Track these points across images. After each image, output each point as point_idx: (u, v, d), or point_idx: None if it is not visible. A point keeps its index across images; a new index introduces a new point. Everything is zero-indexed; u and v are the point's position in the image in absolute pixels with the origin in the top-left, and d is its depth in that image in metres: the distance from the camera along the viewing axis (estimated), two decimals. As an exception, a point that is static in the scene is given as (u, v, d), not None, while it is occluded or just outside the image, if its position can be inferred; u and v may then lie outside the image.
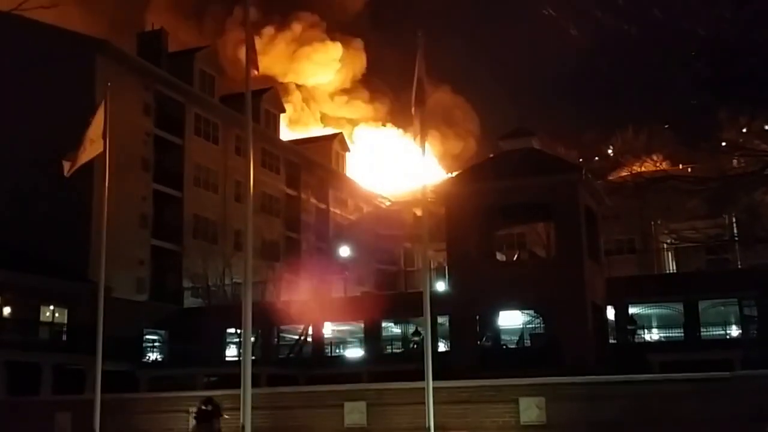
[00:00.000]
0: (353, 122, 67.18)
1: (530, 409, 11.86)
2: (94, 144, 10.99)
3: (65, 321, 29.63)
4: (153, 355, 33.97)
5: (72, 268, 29.13)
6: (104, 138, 11.03)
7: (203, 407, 6.17)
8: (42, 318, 29.21)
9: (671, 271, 35.21)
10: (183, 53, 40.21)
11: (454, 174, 38.65)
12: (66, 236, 29.78)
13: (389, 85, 67.90)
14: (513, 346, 26.44)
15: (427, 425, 8.17)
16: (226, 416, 5.78)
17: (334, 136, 53.53)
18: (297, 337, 32.49)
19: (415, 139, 9.11)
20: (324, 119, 66.06)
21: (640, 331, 28.82)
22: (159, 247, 34.96)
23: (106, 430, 10.79)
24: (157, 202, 35.11)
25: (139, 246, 33.55)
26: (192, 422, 6.04)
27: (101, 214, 11.68)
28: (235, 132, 38.94)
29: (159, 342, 34.33)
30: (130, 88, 32.96)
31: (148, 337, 33.78)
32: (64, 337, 29.46)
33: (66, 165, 10.84)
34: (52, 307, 29.59)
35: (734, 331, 28.77)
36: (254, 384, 7.72)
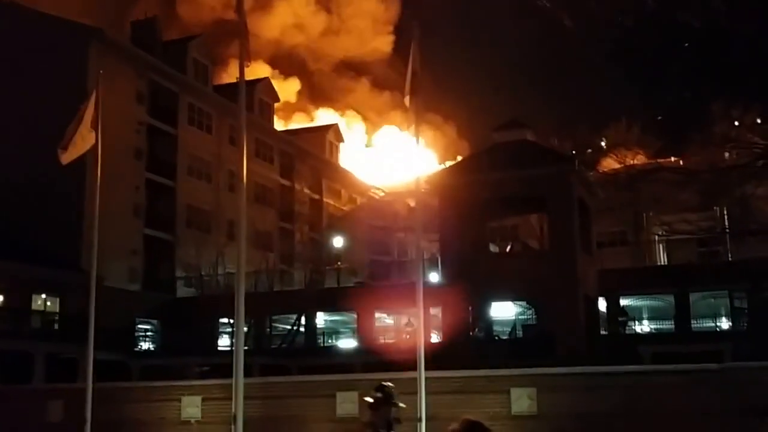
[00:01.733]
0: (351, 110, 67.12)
1: (521, 400, 11.94)
2: (91, 133, 10.89)
3: (57, 310, 29.53)
4: (145, 345, 33.95)
5: (64, 257, 29.00)
6: (96, 126, 10.93)
7: (376, 394, 5.57)
8: (34, 307, 29.10)
9: (663, 263, 35.41)
10: (176, 42, 39.87)
11: (448, 165, 38.63)
12: (58, 225, 29.62)
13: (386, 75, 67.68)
14: (505, 338, 26.58)
15: (418, 415, 8.21)
16: (402, 405, 5.14)
17: (329, 126, 53.39)
18: (290, 327, 32.53)
19: (409, 129, 9.07)
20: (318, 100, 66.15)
21: (631, 323, 29.02)
22: (152, 236, 34.84)
23: (98, 418, 10.78)
24: (150, 192, 34.95)
25: (132, 235, 33.42)
26: (368, 412, 5.41)
27: (93, 203, 11.60)
28: (229, 122, 38.74)
29: (151, 331, 34.30)
30: (123, 77, 32.70)
31: (140, 326, 33.73)
32: (56, 326, 29.38)
33: (62, 154, 10.73)
34: (44, 296, 29.48)
35: (724, 324, 29.01)
36: (247, 374, 7.72)
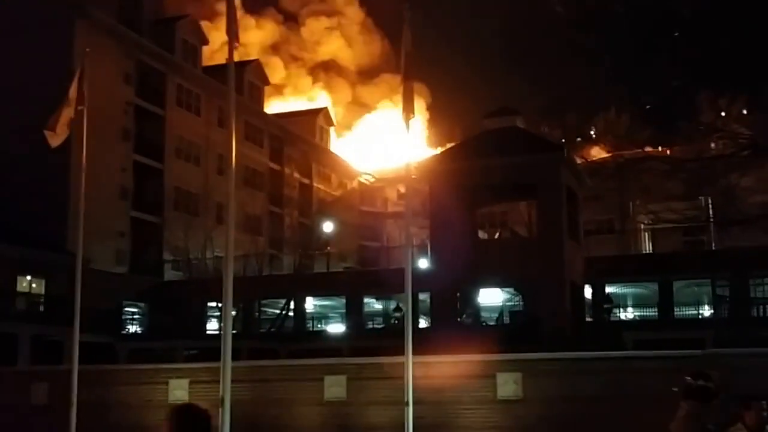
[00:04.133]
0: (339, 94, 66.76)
1: (507, 384, 12.08)
2: (76, 111, 10.73)
3: (43, 292, 29.32)
4: (132, 328, 33.86)
5: (50, 239, 28.75)
6: (82, 106, 10.77)
7: (698, 382, 4.13)
8: (19, 288, 28.87)
9: (648, 252, 35.80)
10: (165, 21, 39.30)
11: (439, 151, 38.63)
12: (44, 206, 29.31)
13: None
14: (492, 323, 26.83)
15: (406, 399, 8.29)
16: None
17: (319, 110, 53.09)
18: (278, 311, 32.57)
19: (403, 115, 9.02)
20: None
21: (615, 310, 29.39)
22: (139, 219, 34.61)
23: (84, 401, 10.76)
24: (138, 174, 34.65)
25: (119, 217, 33.17)
26: (683, 405, 4.18)
27: (80, 184, 11.46)
28: (218, 103, 38.38)
29: (139, 314, 34.20)
30: (110, 56, 32.21)
31: (127, 309, 33.61)
32: (42, 308, 29.20)
33: (50, 135, 10.56)
34: (29, 278, 29.24)
35: (706, 311, 29.47)
36: (235, 357, 7.72)
